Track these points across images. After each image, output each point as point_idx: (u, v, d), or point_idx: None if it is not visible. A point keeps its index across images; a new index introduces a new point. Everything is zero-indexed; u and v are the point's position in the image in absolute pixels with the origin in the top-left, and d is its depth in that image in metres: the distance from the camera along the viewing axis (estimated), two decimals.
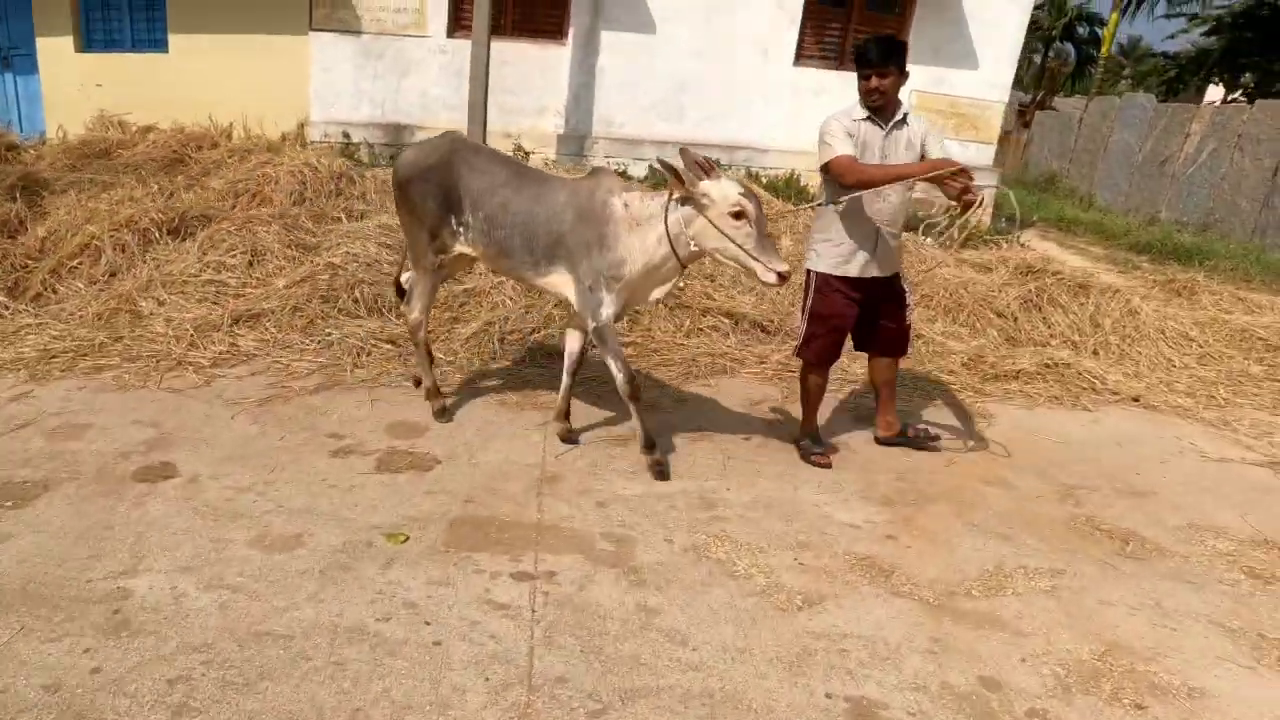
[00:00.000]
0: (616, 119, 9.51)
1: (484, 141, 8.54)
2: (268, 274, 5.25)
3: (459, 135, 3.77)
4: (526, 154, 8.89)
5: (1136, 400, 4.96)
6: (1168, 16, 19.28)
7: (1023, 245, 8.93)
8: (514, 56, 9.17)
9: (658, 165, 3.25)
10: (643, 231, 3.26)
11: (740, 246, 3.08)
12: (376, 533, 2.92)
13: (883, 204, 3.58)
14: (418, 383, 4.10)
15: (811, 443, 3.81)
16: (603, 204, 3.32)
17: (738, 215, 3.07)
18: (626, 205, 3.30)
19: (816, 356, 3.74)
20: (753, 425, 4.09)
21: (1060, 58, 20.60)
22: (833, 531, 3.14)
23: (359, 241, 5.48)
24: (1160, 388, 5.14)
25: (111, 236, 5.43)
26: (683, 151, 3.24)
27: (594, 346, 3.60)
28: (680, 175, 3.11)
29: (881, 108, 3.51)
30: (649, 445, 3.51)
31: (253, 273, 5.27)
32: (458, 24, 9.09)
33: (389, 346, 4.64)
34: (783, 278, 3.08)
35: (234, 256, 5.33)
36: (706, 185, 3.13)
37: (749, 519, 3.18)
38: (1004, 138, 19.43)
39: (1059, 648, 2.57)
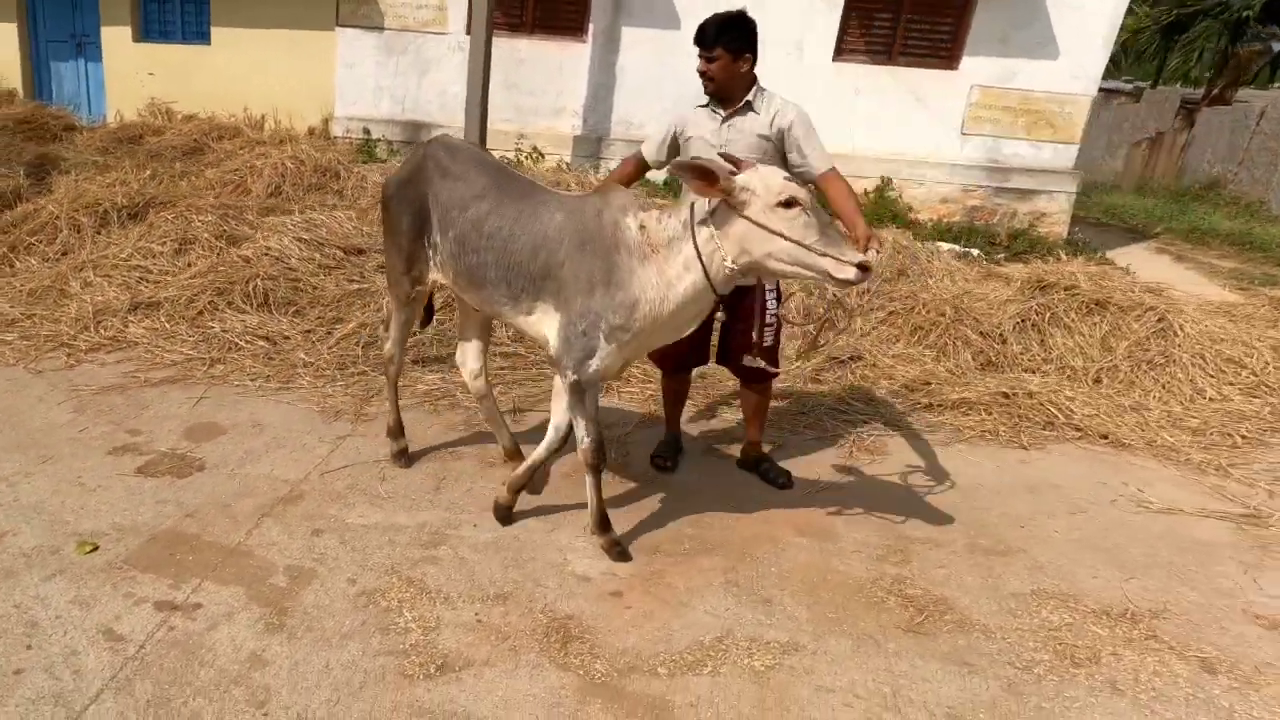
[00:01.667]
0: (635, 120, 9.17)
1: (484, 144, 8.46)
2: (189, 263, 5.32)
3: (441, 137, 3.11)
4: (541, 156, 8.71)
5: (1105, 438, 4.18)
6: None
7: (1098, 260, 7.83)
8: (532, 55, 9.03)
9: (673, 171, 2.51)
10: (662, 260, 2.57)
11: (801, 243, 2.39)
12: (74, 539, 2.79)
13: None
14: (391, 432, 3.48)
15: (662, 447, 3.64)
16: (613, 227, 2.62)
17: (789, 204, 2.39)
18: (642, 227, 2.60)
19: (659, 361, 3.52)
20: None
21: (1260, 41, 17.54)
22: (551, 584, 2.72)
23: (279, 236, 5.46)
24: (1157, 424, 4.30)
25: (70, 218, 5.70)
26: (693, 160, 2.54)
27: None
28: (706, 169, 2.40)
29: (719, 94, 3.13)
30: (602, 526, 2.90)
31: (176, 261, 5.36)
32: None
33: (264, 343, 4.57)
34: (864, 269, 2.37)
35: (163, 244, 5.44)
36: (744, 178, 2.45)
37: (466, 562, 2.81)
38: (1156, 139, 17.43)
39: None
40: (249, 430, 3.69)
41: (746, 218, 2.44)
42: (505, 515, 3.05)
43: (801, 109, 3.12)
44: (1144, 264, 9.06)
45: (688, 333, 2.75)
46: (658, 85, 8.96)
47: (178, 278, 5.10)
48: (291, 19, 9.03)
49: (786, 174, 2.50)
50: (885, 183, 9.09)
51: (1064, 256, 7.10)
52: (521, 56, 9.05)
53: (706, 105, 3.20)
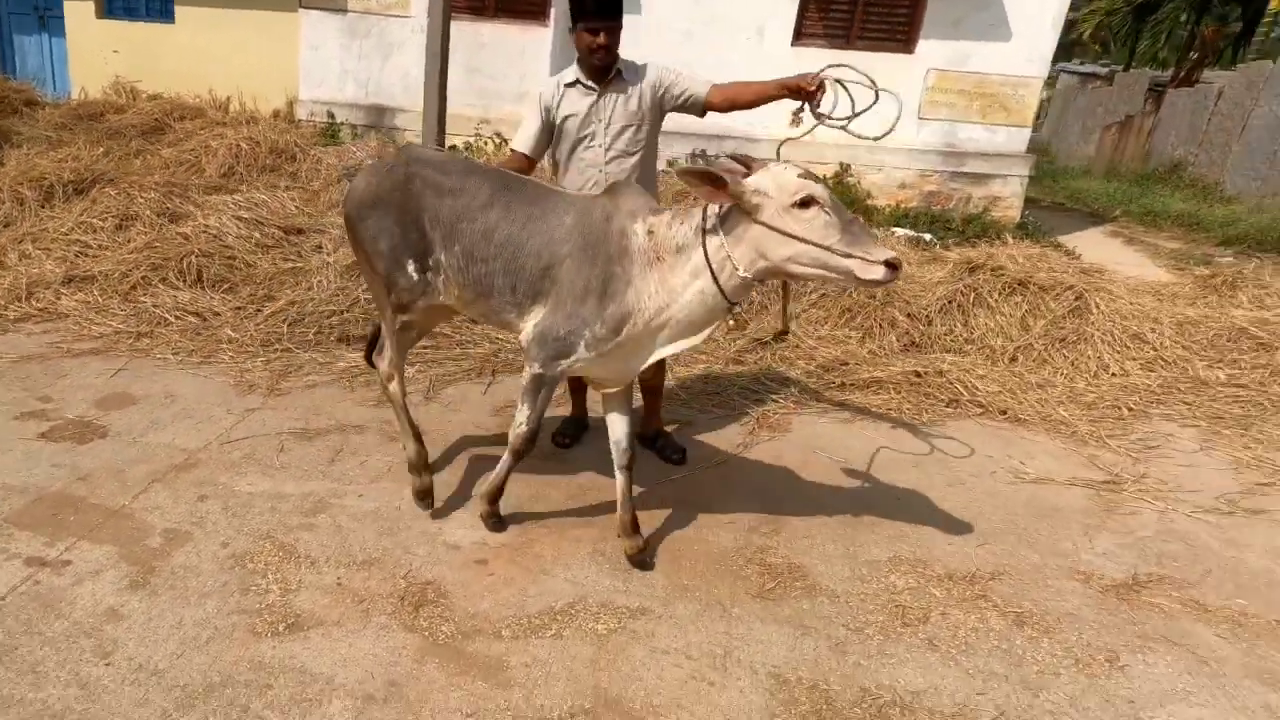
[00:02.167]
0: None
1: (444, 128, 8.49)
2: (128, 239, 5.39)
3: (415, 149, 2.90)
4: (504, 140, 8.74)
5: (1004, 413, 4.29)
6: None
7: (1047, 243, 7.87)
8: (493, 38, 9.04)
9: (673, 174, 2.41)
10: (666, 269, 2.48)
11: (822, 245, 2.24)
12: None
13: (599, 174, 3.17)
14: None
15: (565, 424, 3.72)
16: (620, 232, 2.52)
17: (806, 203, 2.25)
18: (650, 232, 2.50)
19: None
20: (483, 428, 3.79)
21: (1222, 21, 17.49)
22: (421, 551, 2.82)
23: (218, 214, 5.53)
24: (1057, 400, 4.42)
25: (13, 190, 5.77)
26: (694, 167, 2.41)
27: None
28: (713, 174, 2.28)
29: (606, 67, 3.08)
30: (492, 497, 2.91)
31: (116, 236, 5.44)
32: None
33: (194, 319, 4.65)
34: (893, 267, 2.22)
35: (105, 220, 5.52)
36: (755, 179, 2.32)
37: (342, 529, 2.90)
38: (1125, 123, 17.40)
39: (527, 704, 2.17)
40: (160, 401, 3.78)
41: (761, 222, 2.30)
42: (645, 558, 2.86)
43: (653, 60, 3.20)
44: (1095, 246, 9.14)
45: (697, 338, 2.61)
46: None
47: (115, 253, 5.18)
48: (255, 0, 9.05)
49: (801, 170, 2.31)
50: (844, 169, 9.13)
51: (1011, 240, 7.16)
52: (483, 40, 9.06)
53: (574, 83, 3.11)
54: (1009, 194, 9.26)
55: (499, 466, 2.87)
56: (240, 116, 8.55)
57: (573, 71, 3.14)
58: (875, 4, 8.87)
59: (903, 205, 9.20)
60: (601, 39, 3.00)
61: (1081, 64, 23.38)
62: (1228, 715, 2.29)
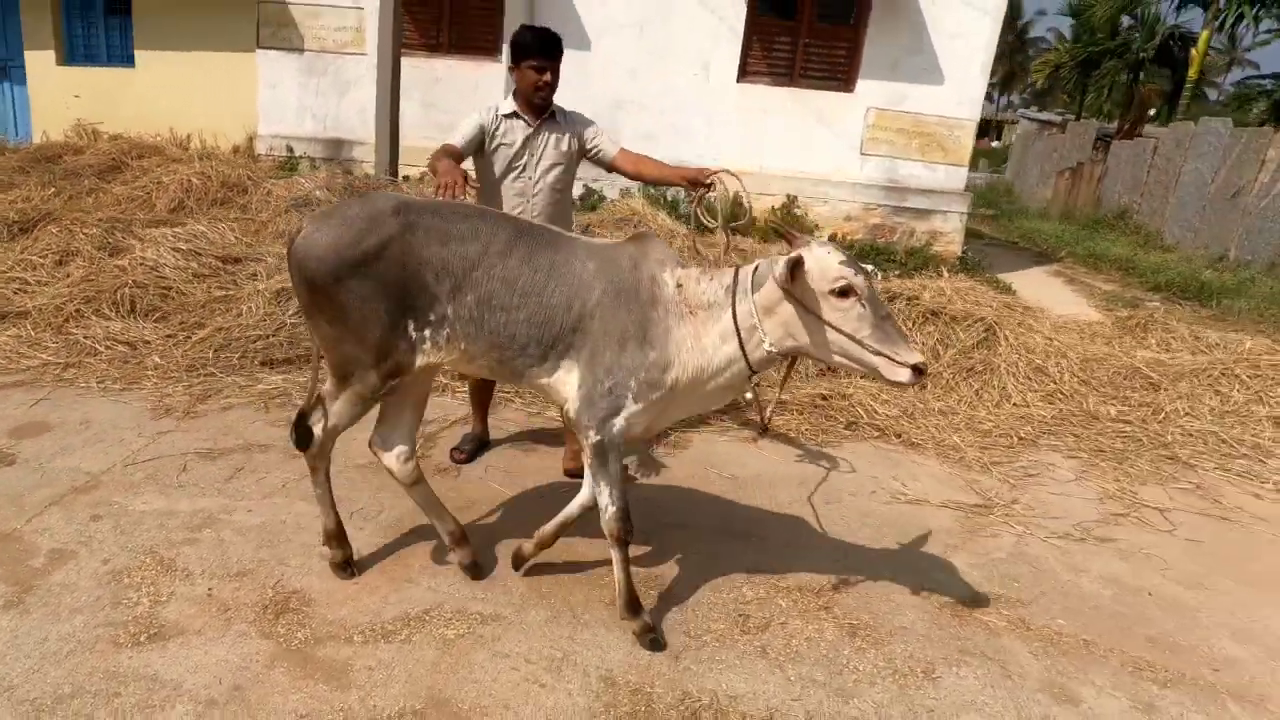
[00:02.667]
0: None
1: (397, 160, 8.73)
2: (67, 274, 5.55)
3: (403, 198, 2.55)
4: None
5: (899, 437, 4.47)
6: (1272, 32, 17.08)
7: (985, 278, 8.16)
8: (448, 74, 9.33)
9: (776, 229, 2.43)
10: (699, 324, 2.43)
11: (853, 337, 2.22)
12: None
13: (525, 204, 3.43)
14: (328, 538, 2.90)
15: (464, 441, 3.87)
16: (650, 280, 2.46)
17: (845, 293, 2.22)
18: (679, 286, 2.46)
19: None
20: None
21: (1153, 83, 18.67)
22: (295, 563, 2.93)
23: (156, 246, 5.70)
24: (954, 426, 4.59)
25: None
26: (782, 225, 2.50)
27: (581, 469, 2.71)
28: (794, 236, 2.35)
29: (546, 104, 3.35)
30: (633, 608, 2.63)
31: (56, 272, 5.59)
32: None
33: (124, 348, 4.80)
34: (919, 372, 2.21)
35: (44, 257, 5.68)
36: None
37: (224, 543, 3.03)
38: (1077, 169, 17.97)
39: (361, 705, 2.29)
40: (75, 428, 3.90)
41: (797, 301, 2.27)
42: (519, 564, 2.94)
43: (584, 116, 3.50)
44: (1037, 284, 9.43)
45: (718, 402, 2.63)
46: (572, 103, 9.24)
47: (52, 287, 5.33)
48: (214, 42, 9.32)
49: (843, 257, 2.28)
50: (791, 200, 9.39)
51: (947, 274, 7.40)
52: (438, 76, 9.35)
53: (512, 114, 3.34)
54: (949, 229, 9.54)
55: (616, 570, 2.62)
56: (197, 153, 8.76)
57: (510, 104, 3.36)
58: (816, 44, 9.21)
59: (849, 237, 9.46)
60: (546, 77, 3.26)
61: (1040, 111, 24.11)
62: None
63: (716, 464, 3.99)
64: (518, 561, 2.94)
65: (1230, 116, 15.82)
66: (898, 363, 2.21)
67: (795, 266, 2.24)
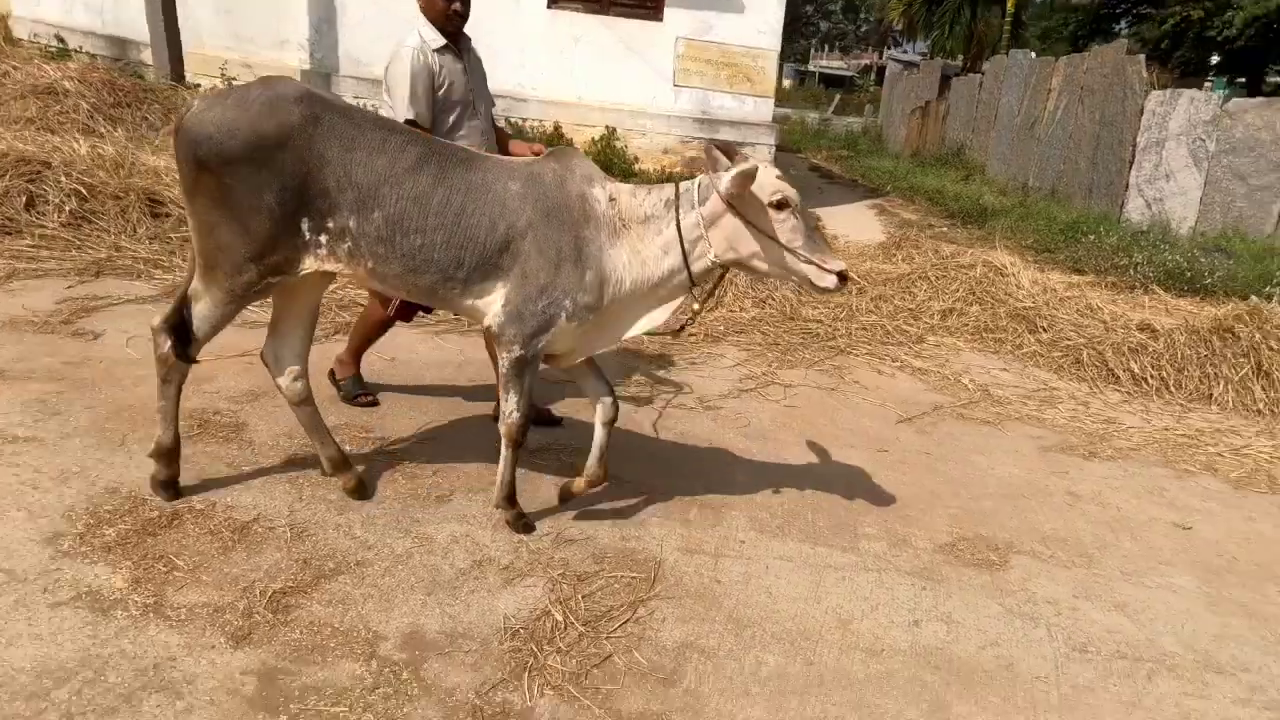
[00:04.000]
0: (364, 58, 9.27)
1: (181, 68, 8.42)
2: None
3: (308, 89, 2.35)
4: None
5: None
6: None
7: None
8: None
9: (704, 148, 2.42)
10: (635, 239, 2.43)
11: (788, 247, 2.34)
12: None
13: (486, 144, 3.12)
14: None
15: (353, 384, 3.44)
16: (580, 197, 2.43)
17: (781, 205, 2.32)
18: (613, 199, 2.45)
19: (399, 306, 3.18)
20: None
21: (990, 18, 19.56)
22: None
23: None
24: None
25: None
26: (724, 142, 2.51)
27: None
28: (732, 150, 2.41)
29: (459, 31, 3.02)
30: (510, 499, 2.65)
31: None
32: None
33: None
34: (844, 279, 2.36)
35: None
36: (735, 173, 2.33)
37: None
38: (925, 108, 18.72)
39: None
40: None
41: (739, 215, 2.35)
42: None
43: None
44: (849, 215, 10.11)
45: (661, 313, 2.55)
46: (380, 20, 9.10)
47: None
48: None
49: (779, 173, 2.41)
50: (610, 132, 9.56)
51: None
52: None
53: (444, 48, 2.99)
54: (760, 161, 9.89)
55: (501, 465, 2.60)
56: None
57: (434, 35, 2.97)
58: None
59: (667, 169, 9.68)
60: (457, 5, 2.94)
61: (905, 53, 24.87)
62: None
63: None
64: (564, 496, 2.83)
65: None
66: (826, 270, 2.34)
67: (747, 178, 2.30)
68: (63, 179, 4.92)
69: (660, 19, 9.40)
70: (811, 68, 54.75)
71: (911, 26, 23.61)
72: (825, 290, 2.39)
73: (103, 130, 6.42)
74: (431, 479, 2.94)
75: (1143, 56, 9.92)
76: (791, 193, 2.34)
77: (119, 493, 2.59)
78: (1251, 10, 16.47)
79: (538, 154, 2.83)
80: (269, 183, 2.24)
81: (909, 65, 22.56)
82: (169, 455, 2.55)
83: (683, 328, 2.93)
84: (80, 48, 8.81)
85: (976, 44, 19.52)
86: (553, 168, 2.46)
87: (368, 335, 3.40)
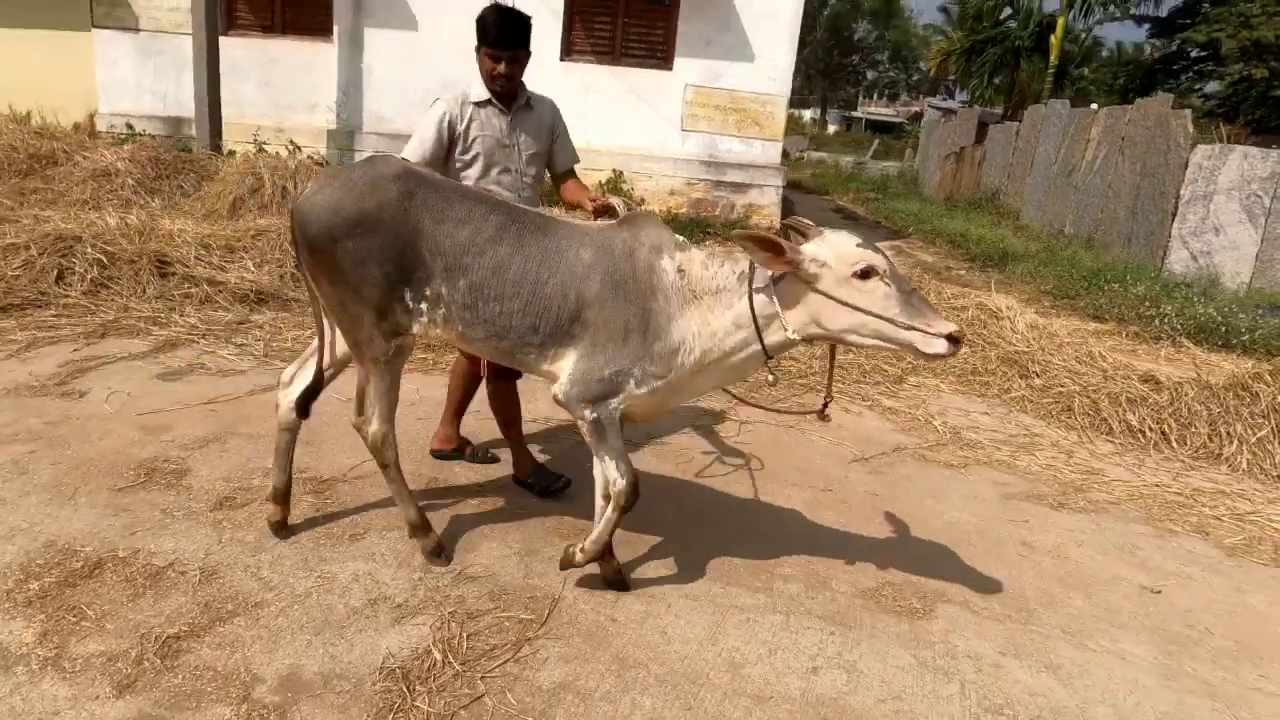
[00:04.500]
0: (386, 114, 9.79)
1: (219, 135, 9.01)
2: None
3: (405, 166, 2.53)
4: (298, 148, 9.29)
5: None
6: (1115, 18, 17.97)
7: None
8: (284, 54, 9.63)
9: (736, 241, 2.30)
10: (706, 310, 2.41)
11: (883, 316, 2.21)
12: None
13: (515, 200, 2.96)
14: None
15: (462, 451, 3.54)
16: (647, 267, 2.42)
17: (866, 274, 2.22)
18: (681, 270, 2.43)
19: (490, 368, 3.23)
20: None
21: (1033, 70, 19.57)
22: None
23: None
24: None
25: None
26: (749, 232, 2.30)
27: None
28: (772, 241, 2.24)
29: (509, 93, 3.08)
30: (606, 554, 2.65)
31: None
32: (232, 22, 9.62)
33: None
34: (955, 341, 2.19)
35: None
36: (811, 248, 2.28)
37: None
38: (960, 154, 18.64)
39: None
40: None
41: (819, 291, 2.26)
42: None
43: (553, 104, 3.23)
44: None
45: (732, 379, 2.60)
46: (402, 82, 9.63)
47: None
48: (49, 20, 9.54)
49: (859, 240, 2.29)
50: (618, 175, 9.80)
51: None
52: (274, 56, 9.65)
53: (486, 102, 3.05)
54: (767, 203, 10.02)
55: (603, 524, 2.57)
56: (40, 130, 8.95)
57: (481, 90, 3.06)
58: (635, 24, 9.64)
59: (674, 211, 9.89)
60: (502, 68, 2.97)
61: (945, 100, 24.94)
62: None
63: None
64: (565, 564, 2.69)
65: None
66: (931, 334, 2.19)
67: (773, 260, 2.24)
68: (89, 250, 5.25)
69: (670, 68, 9.67)
70: (859, 114, 55.07)
71: (950, 76, 23.73)
72: (935, 356, 2.23)
73: (142, 201, 6.93)
74: (351, 517, 2.99)
75: (1188, 111, 9.76)
76: (877, 259, 2.23)
77: (55, 545, 2.65)
78: None
79: (594, 201, 2.96)
80: (374, 254, 2.39)
81: (947, 112, 22.52)
82: (422, 528, 2.79)
83: (823, 410, 2.62)
84: (144, 131, 9.52)
85: (1019, 93, 19.48)
86: (623, 237, 2.47)
87: (460, 396, 3.47)
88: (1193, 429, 4.62)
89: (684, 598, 2.72)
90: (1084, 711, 2.40)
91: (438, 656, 2.30)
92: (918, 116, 48.74)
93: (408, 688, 2.17)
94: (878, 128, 48.27)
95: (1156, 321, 7.11)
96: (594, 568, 2.70)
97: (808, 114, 52.93)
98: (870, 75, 56.57)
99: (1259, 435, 4.47)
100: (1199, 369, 5.43)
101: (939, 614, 2.79)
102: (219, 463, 3.30)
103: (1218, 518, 3.79)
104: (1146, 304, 7.56)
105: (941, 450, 4.24)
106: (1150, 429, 4.66)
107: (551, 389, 2.50)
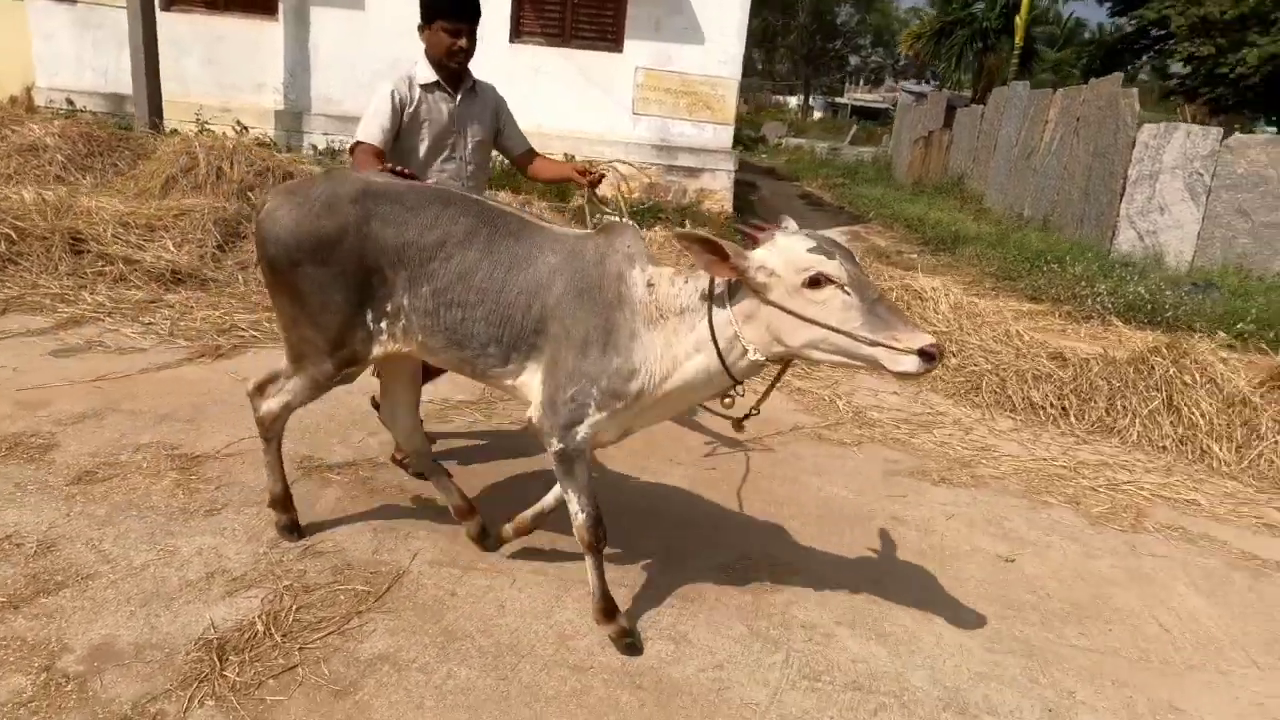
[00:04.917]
0: (335, 96, 9.69)
1: (160, 114, 8.89)
2: None
3: (360, 180, 2.40)
4: (245, 129, 9.18)
5: None
6: None
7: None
8: (228, 31, 9.50)
9: (677, 241, 2.05)
10: (670, 330, 2.17)
11: (841, 330, 1.94)
12: None
13: (459, 188, 2.93)
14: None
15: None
16: (616, 277, 2.21)
17: (815, 283, 1.95)
18: (651, 285, 2.20)
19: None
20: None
21: (1001, 50, 19.53)
22: None
23: None
24: None
25: None
26: (689, 231, 2.07)
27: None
28: (715, 244, 1.99)
29: (461, 72, 2.97)
30: (608, 612, 2.43)
31: None
32: None
33: None
34: (929, 356, 1.87)
35: None
36: (760, 254, 2.02)
37: None
38: (929, 138, 18.64)
39: None
40: None
41: (772, 303, 2.00)
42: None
43: (494, 89, 3.15)
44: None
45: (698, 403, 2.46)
46: (350, 62, 9.52)
47: None
48: None
49: (812, 243, 2.00)
50: (569, 159, 9.70)
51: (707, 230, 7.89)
52: (219, 33, 9.51)
53: (434, 85, 2.93)
54: (719, 187, 10.00)
55: (590, 575, 2.42)
56: None
57: (427, 71, 2.93)
58: (585, 5, 9.57)
59: (623, 194, 9.85)
60: (463, 41, 2.87)
61: (918, 84, 24.94)
62: None
63: None
64: (497, 543, 2.80)
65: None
66: (899, 350, 1.89)
67: (713, 264, 2.01)
68: None
69: (621, 50, 9.61)
70: (845, 100, 54.92)
71: (921, 59, 23.71)
72: (907, 374, 1.92)
73: (73, 179, 6.84)
74: (213, 493, 2.99)
75: (1135, 90, 9.77)
76: (830, 266, 1.95)
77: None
78: (1269, 48, 16.09)
79: (579, 172, 3.01)
80: (333, 281, 2.31)
81: (919, 96, 22.50)
82: (283, 503, 2.75)
83: (741, 420, 2.32)
84: (85, 107, 9.38)
85: (986, 76, 19.47)
86: (597, 243, 2.27)
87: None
88: (1092, 403, 4.71)
89: (531, 572, 2.74)
90: (901, 676, 2.45)
91: (260, 628, 2.31)
92: None
93: (219, 658, 2.18)
94: (863, 114, 48.20)
95: (1089, 301, 7.18)
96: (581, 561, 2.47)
97: (793, 101, 52.74)
98: (854, 61, 56.37)
99: (1150, 407, 4.57)
100: (1113, 347, 5.49)
101: (786, 587, 2.83)
102: (90, 438, 3.28)
103: (1094, 489, 3.89)
104: (1083, 284, 7.64)
105: (839, 429, 4.28)
106: (1051, 405, 4.74)
107: (528, 411, 2.35)
